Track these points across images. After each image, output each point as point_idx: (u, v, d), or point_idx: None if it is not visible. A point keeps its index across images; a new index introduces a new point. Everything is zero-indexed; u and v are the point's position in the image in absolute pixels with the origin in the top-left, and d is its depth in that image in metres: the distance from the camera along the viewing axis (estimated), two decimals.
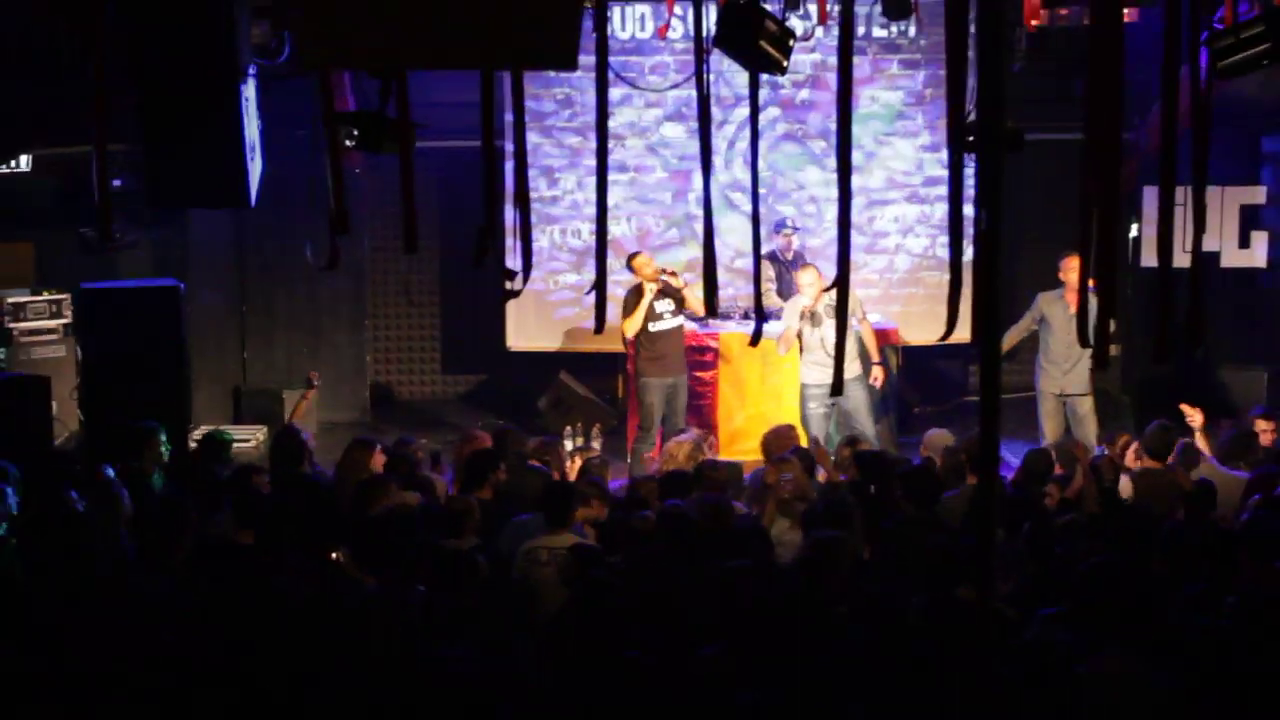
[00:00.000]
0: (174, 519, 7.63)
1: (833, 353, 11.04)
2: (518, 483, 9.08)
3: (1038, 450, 9.78)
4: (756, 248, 8.12)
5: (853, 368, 11.50)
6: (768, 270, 12.81)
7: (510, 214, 11.06)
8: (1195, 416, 9.96)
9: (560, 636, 6.62)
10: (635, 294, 11.85)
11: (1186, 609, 6.44)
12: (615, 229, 13.43)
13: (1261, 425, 10.20)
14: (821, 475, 9.39)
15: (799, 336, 11.65)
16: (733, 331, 12.55)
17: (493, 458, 9.03)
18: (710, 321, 12.37)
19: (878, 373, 11.91)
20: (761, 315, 8.22)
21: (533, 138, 13.47)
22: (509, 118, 10.36)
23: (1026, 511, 7.99)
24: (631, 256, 12.11)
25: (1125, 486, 9.26)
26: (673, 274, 11.87)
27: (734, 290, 13.51)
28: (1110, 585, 6.43)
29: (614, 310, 11.42)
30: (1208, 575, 6.91)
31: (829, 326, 11.36)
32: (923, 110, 13.91)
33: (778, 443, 9.78)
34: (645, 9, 13.51)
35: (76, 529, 7.69)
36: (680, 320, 11.95)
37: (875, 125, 13.84)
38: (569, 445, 11.74)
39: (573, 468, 10.03)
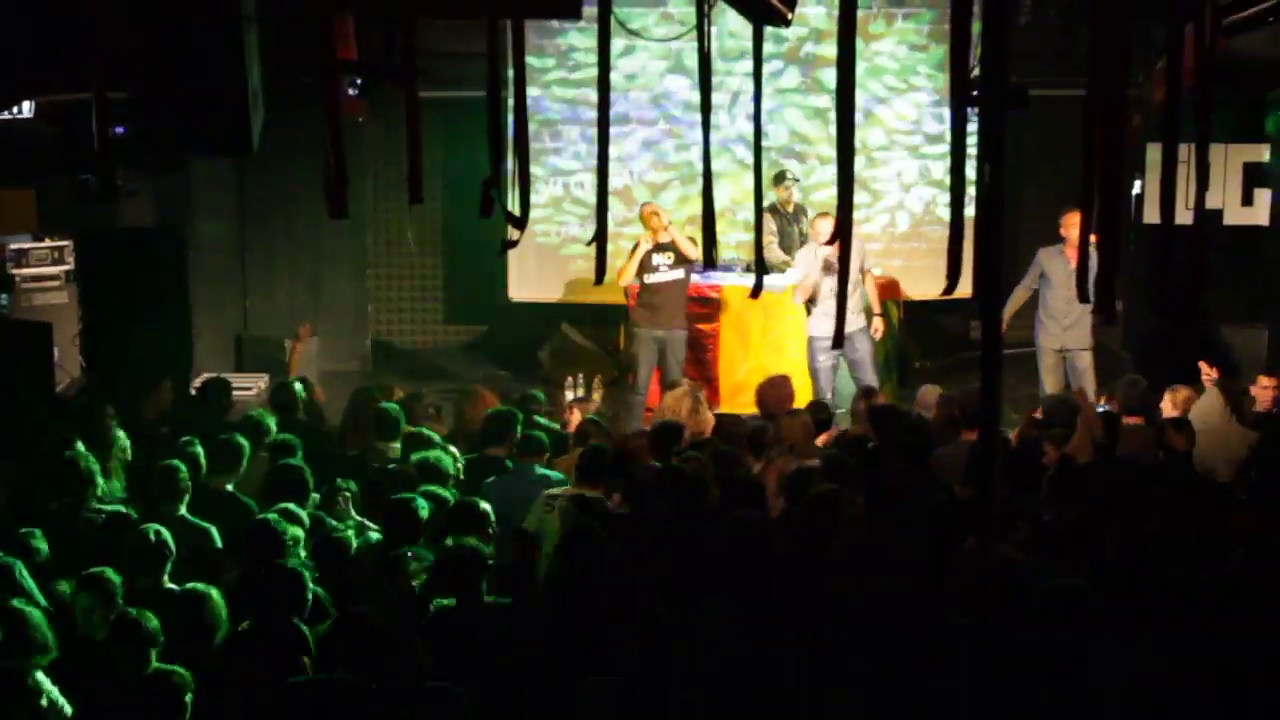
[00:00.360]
0: (173, 468, 7.71)
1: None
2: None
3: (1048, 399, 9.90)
4: (758, 201, 8.14)
5: (858, 320, 11.55)
6: (769, 224, 12.82)
7: (510, 164, 11.06)
8: (1211, 372, 9.99)
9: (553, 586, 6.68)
10: (636, 245, 11.89)
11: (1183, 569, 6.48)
12: (617, 180, 13.43)
13: (1264, 382, 10.17)
14: (822, 438, 9.39)
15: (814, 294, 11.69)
16: (734, 284, 12.57)
17: (511, 420, 9.08)
18: (712, 273, 12.40)
19: (878, 324, 11.96)
20: (763, 268, 8.25)
21: (534, 90, 13.48)
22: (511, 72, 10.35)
23: (1030, 465, 8.08)
24: (642, 206, 12.14)
25: None
26: (654, 213, 11.89)
27: (735, 242, 13.53)
28: (1096, 540, 6.50)
29: (614, 263, 11.46)
30: (1198, 530, 6.98)
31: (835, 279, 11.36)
32: (926, 65, 13.90)
33: (773, 394, 9.82)
34: None
35: (76, 476, 7.79)
36: (679, 274, 11.95)
37: (879, 80, 13.84)
38: (569, 395, 11.78)
39: (571, 418, 10.06)
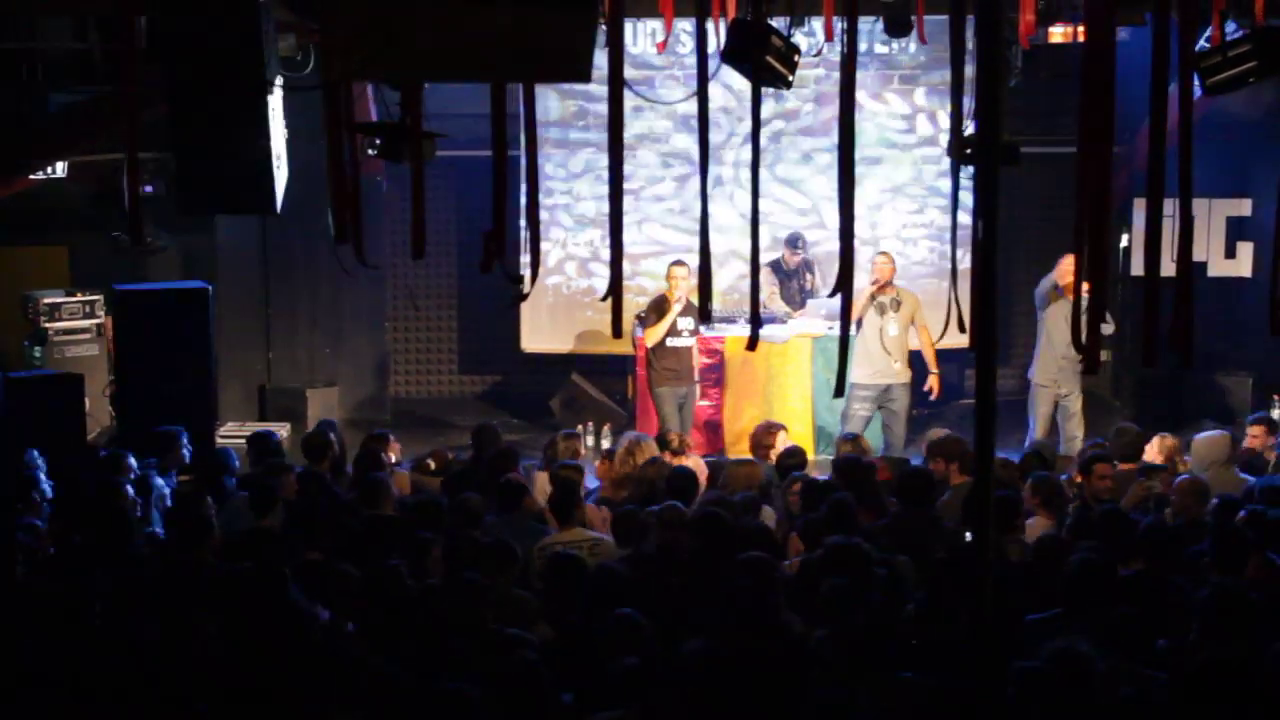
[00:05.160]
0: (200, 515, 8.05)
1: (888, 348, 11.44)
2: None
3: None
4: (755, 255, 8.42)
5: (904, 373, 11.89)
6: (770, 278, 13.15)
7: (522, 221, 11.37)
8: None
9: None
10: (659, 305, 12.22)
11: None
12: (625, 236, 13.74)
13: (1253, 431, 10.38)
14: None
15: (859, 324, 11.91)
16: (738, 335, 12.93)
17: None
18: (717, 325, 12.76)
19: (933, 383, 12.25)
20: (758, 321, 8.52)
21: (547, 148, 13.87)
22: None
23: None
24: (676, 263, 12.41)
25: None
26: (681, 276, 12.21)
27: (739, 296, 13.86)
28: (1089, 584, 6.75)
29: (627, 316, 11.78)
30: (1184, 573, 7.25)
31: (892, 321, 11.68)
32: (921, 123, 14.30)
33: (759, 438, 10.18)
34: (656, 24, 13.84)
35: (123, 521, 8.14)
36: (694, 340, 12.38)
37: (876, 138, 14.23)
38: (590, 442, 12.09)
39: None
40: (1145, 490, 8.87)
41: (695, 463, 10.18)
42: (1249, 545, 7.38)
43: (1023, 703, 5.52)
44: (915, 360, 12.35)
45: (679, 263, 12.44)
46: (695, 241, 13.79)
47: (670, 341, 12.19)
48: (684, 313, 12.24)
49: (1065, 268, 11.44)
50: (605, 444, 12.74)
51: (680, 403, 12.32)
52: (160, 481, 9.27)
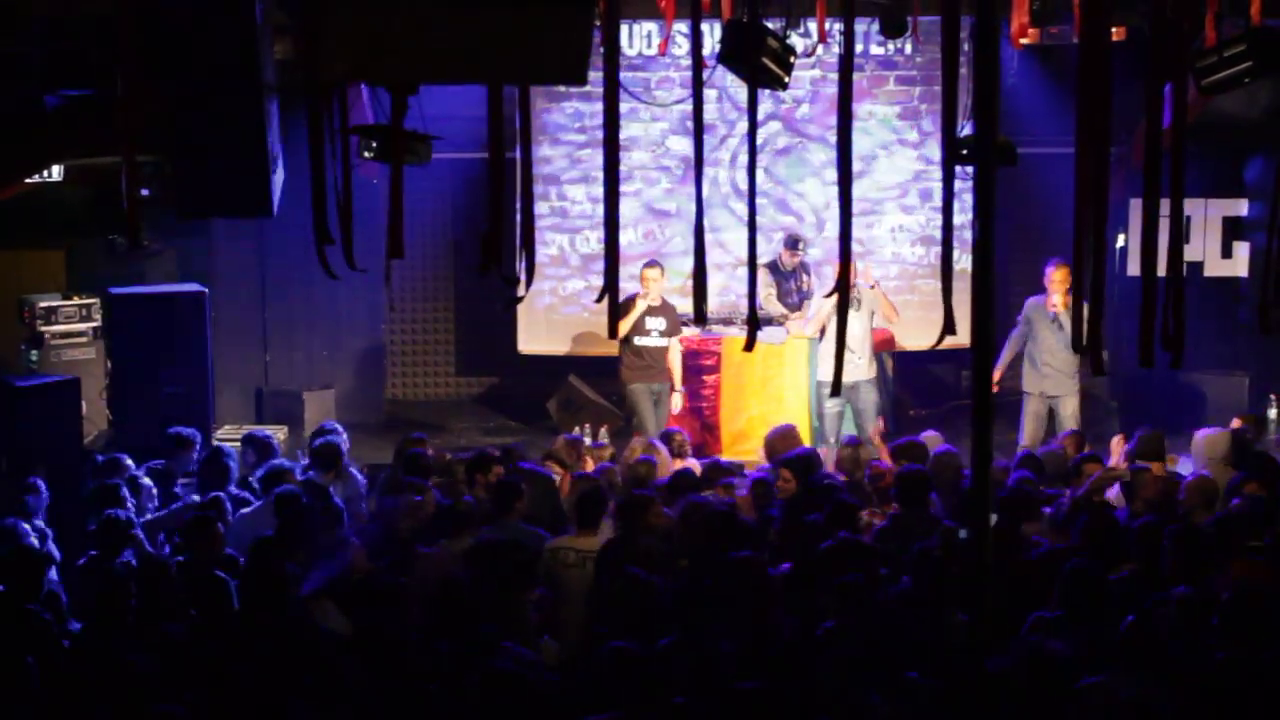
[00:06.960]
0: (207, 523, 8.05)
1: (854, 346, 11.54)
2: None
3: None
4: (752, 257, 8.42)
5: (868, 370, 11.93)
6: (767, 278, 13.15)
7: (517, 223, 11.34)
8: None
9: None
10: (630, 302, 12.20)
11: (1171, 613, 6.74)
12: (621, 237, 13.74)
13: (1236, 422, 10.46)
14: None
15: (824, 325, 12.05)
16: (734, 336, 12.93)
17: (489, 462, 9.47)
18: (712, 327, 12.79)
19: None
20: (755, 322, 8.50)
21: (543, 149, 13.87)
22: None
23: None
24: (649, 265, 12.53)
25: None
26: (652, 279, 12.38)
27: (735, 297, 13.87)
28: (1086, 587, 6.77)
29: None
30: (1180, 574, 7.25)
31: (855, 319, 11.71)
32: (917, 124, 14.30)
33: (783, 444, 10.13)
34: (652, 26, 13.88)
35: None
36: (667, 342, 12.41)
37: (872, 139, 14.23)
38: (587, 441, 12.07)
39: (585, 465, 10.37)
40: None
41: (691, 464, 10.21)
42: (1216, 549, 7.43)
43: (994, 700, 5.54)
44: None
45: (652, 264, 12.56)
46: (688, 242, 14.08)
47: (637, 340, 12.27)
48: (655, 313, 12.33)
49: (1053, 277, 11.56)
50: (604, 442, 12.71)
51: (655, 399, 12.36)
52: (148, 483, 9.27)
